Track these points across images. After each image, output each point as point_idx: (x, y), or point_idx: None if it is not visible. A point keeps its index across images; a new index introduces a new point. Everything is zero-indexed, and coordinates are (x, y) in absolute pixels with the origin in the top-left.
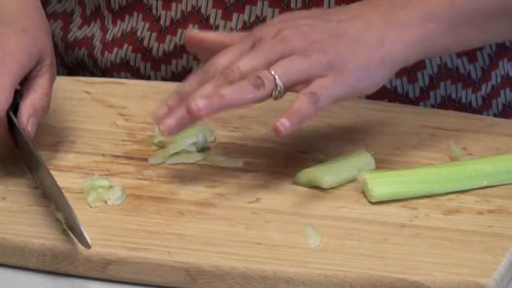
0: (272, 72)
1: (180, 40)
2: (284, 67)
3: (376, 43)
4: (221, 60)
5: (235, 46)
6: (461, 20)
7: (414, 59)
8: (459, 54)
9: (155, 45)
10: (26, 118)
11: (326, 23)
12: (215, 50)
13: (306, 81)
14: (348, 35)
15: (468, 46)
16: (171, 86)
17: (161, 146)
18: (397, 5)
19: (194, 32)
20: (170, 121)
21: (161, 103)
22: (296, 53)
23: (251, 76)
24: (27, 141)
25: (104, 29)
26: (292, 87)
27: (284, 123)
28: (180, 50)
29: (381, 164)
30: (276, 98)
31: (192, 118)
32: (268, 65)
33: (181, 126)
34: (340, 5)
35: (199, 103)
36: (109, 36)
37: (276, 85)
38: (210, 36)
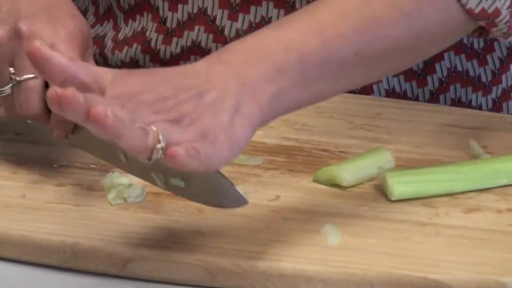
0: (154, 128)
1: (186, 42)
2: (163, 128)
3: (234, 108)
4: (99, 100)
5: (104, 99)
6: (312, 73)
7: (269, 119)
8: (469, 57)
9: (162, 47)
10: None
11: (187, 93)
12: (56, 74)
13: None
14: (208, 104)
15: (325, 97)
16: None
17: None
18: (248, 60)
19: (37, 46)
20: (82, 98)
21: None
22: (169, 122)
23: (136, 125)
24: None
25: (117, 29)
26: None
27: (179, 149)
28: (188, 52)
29: (401, 162)
30: (155, 157)
31: (92, 117)
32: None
33: (81, 109)
34: None
35: (108, 111)
36: (121, 36)
37: (159, 140)
38: (55, 58)
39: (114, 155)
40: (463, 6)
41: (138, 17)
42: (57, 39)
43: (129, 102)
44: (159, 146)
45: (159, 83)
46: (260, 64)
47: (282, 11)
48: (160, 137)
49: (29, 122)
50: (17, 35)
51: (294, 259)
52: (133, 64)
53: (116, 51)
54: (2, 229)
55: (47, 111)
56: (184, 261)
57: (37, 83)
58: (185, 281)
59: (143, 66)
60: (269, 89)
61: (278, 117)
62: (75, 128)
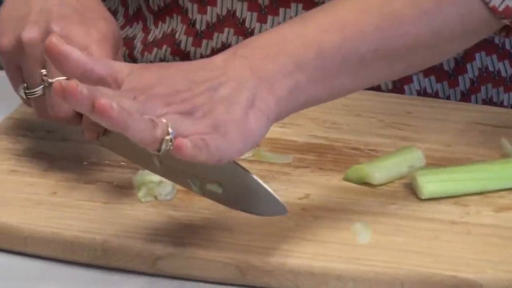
0: (164, 120)
1: (216, 44)
2: (174, 120)
3: (249, 102)
4: (109, 92)
5: (117, 91)
6: (331, 69)
7: (285, 113)
8: (501, 58)
9: (192, 49)
10: None
11: (201, 86)
12: (73, 69)
13: None
14: (222, 97)
15: (344, 93)
16: None
17: None
18: (266, 57)
19: (53, 41)
20: (86, 91)
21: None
22: (180, 114)
23: (146, 116)
24: None
25: (146, 30)
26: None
27: (186, 141)
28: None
29: (432, 160)
30: (164, 149)
31: (97, 110)
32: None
33: (85, 101)
34: None
35: (113, 103)
36: (150, 37)
37: (168, 133)
38: (71, 53)
39: (147, 159)
40: (486, 4)
41: (167, 19)
42: (90, 42)
43: (142, 94)
44: (168, 137)
45: (174, 76)
46: (278, 58)
47: None
48: (169, 129)
49: None
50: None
51: (324, 257)
52: None
53: (146, 53)
54: (33, 227)
55: (79, 113)
56: (214, 259)
57: None
58: (215, 279)
59: None
60: (286, 83)
61: (295, 111)
62: (106, 129)
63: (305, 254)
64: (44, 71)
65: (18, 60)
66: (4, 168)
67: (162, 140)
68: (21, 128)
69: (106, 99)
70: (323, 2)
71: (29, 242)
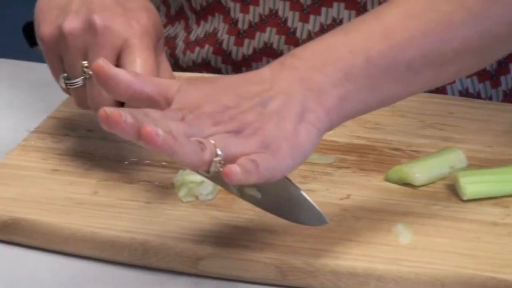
0: (212, 141)
1: (258, 44)
2: (222, 140)
3: (298, 116)
4: (157, 116)
5: (165, 113)
6: (379, 76)
7: (337, 123)
8: None
9: (234, 48)
10: None
11: (250, 101)
12: (121, 91)
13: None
14: (272, 112)
15: (393, 101)
16: None
17: None
18: (314, 67)
19: (101, 64)
20: (130, 119)
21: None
22: (229, 133)
23: (193, 139)
24: None
25: (188, 30)
26: (229, 160)
27: (235, 167)
28: (260, 53)
29: (473, 161)
30: (213, 170)
31: (143, 137)
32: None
33: (130, 130)
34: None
35: (159, 130)
36: (192, 36)
37: (216, 154)
38: (119, 75)
39: None
40: None
41: (209, 18)
42: (131, 34)
43: (190, 113)
44: (217, 159)
45: (222, 91)
46: (326, 68)
47: (353, 12)
48: (218, 150)
49: None
50: (91, 28)
51: (365, 258)
52: (204, 65)
53: (188, 52)
54: (74, 226)
55: (119, 104)
56: (255, 260)
57: None
58: (256, 280)
59: (215, 67)
60: (336, 93)
61: (345, 121)
62: None
63: (346, 255)
64: (85, 63)
65: (59, 49)
66: (46, 167)
67: (211, 162)
68: (62, 127)
69: (151, 126)
70: (365, 2)
71: (70, 242)
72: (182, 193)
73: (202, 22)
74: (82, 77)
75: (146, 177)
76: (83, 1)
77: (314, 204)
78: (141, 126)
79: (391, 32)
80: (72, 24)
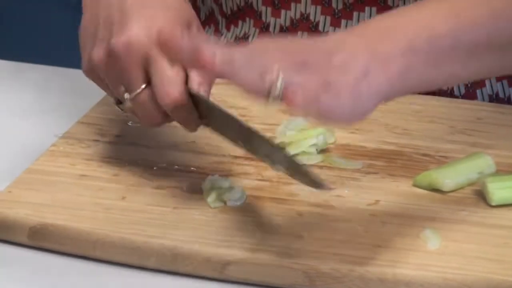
0: (276, 67)
1: None
2: (285, 69)
3: (362, 74)
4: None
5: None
6: (443, 54)
7: (395, 93)
8: None
9: None
10: (197, 86)
11: (317, 50)
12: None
13: None
14: (337, 63)
15: (456, 80)
16: None
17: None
18: (381, 35)
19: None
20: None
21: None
22: (294, 67)
23: (255, 64)
24: (212, 104)
25: (218, 34)
26: (290, 92)
27: (297, 92)
28: None
29: (502, 167)
30: (273, 95)
31: (200, 60)
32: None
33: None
34: None
35: (217, 50)
36: (222, 41)
37: (277, 79)
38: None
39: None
40: None
41: (240, 22)
42: (150, 47)
43: (257, 51)
44: (278, 84)
45: (291, 44)
46: (392, 39)
47: None
48: (281, 74)
49: (130, 124)
50: (113, 55)
51: (393, 263)
52: None
53: None
54: (102, 231)
55: (166, 115)
56: (283, 265)
57: (145, 96)
58: (284, 285)
59: None
60: (399, 63)
61: (405, 94)
62: (201, 117)
63: (374, 260)
64: (123, 89)
65: (100, 78)
66: (74, 172)
67: (270, 89)
68: (91, 133)
69: (209, 48)
70: (397, 6)
71: (98, 247)
72: (210, 198)
73: (232, 27)
74: (123, 102)
75: (174, 183)
76: (106, 23)
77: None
78: (200, 50)
79: (457, 12)
80: (97, 56)
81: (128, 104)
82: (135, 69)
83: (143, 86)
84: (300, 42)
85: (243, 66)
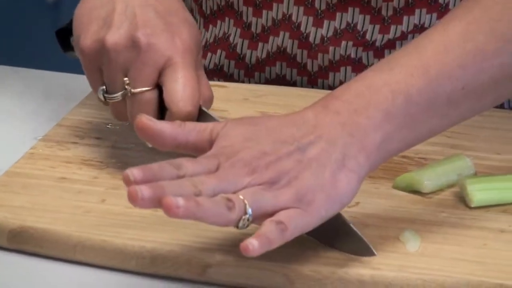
0: (241, 197)
1: (272, 48)
2: (253, 195)
3: (338, 163)
4: (190, 168)
5: (200, 161)
6: (420, 113)
7: (375, 166)
8: None
9: (248, 52)
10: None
11: (289, 146)
12: (167, 144)
13: (273, 214)
14: (311, 159)
15: (433, 134)
16: (272, 89)
17: None
18: (357, 111)
19: (145, 122)
20: (148, 193)
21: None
22: (263, 184)
23: (221, 197)
24: None
25: None
26: (259, 218)
27: (253, 242)
28: (273, 57)
29: (481, 169)
30: (241, 227)
31: (164, 209)
32: (235, 191)
33: (150, 205)
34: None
35: (179, 201)
36: (202, 41)
37: (245, 212)
38: (164, 130)
39: None
40: None
41: (218, 22)
42: (174, 52)
43: (227, 160)
44: (245, 217)
45: (263, 135)
46: (368, 111)
47: (367, 17)
48: (248, 208)
49: (109, 126)
50: (134, 45)
51: (373, 265)
52: (216, 70)
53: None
54: (82, 234)
55: (160, 118)
56: (263, 267)
57: (152, 96)
58: (264, 287)
59: (228, 72)
60: (377, 137)
61: (386, 160)
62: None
63: (354, 262)
64: (126, 80)
65: (99, 62)
66: (54, 175)
67: (239, 221)
68: (70, 135)
69: (171, 197)
70: (380, 7)
71: (78, 250)
72: None
73: (210, 26)
74: (122, 92)
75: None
76: (126, 14)
77: (363, 237)
78: (163, 196)
79: (429, 68)
80: (115, 38)
81: (119, 98)
82: (152, 68)
83: (150, 87)
84: (271, 136)
85: (210, 207)
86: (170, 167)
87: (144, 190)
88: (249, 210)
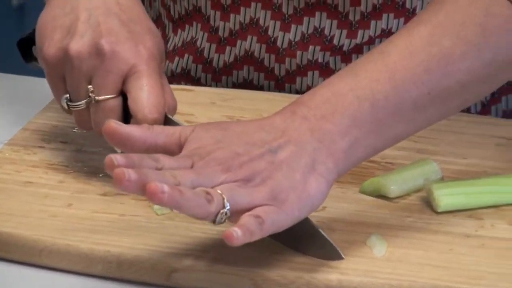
0: (220, 192)
1: (239, 52)
2: (230, 191)
3: (308, 167)
4: (166, 162)
5: (175, 159)
6: (386, 118)
7: (345, 170)
8: None
9: (215, 56)
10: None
11: (260, 149)
12: (136, 147)
13: (249, 210)
14: (282, 161)
15: (400, 139)
16: (239, 93)
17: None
18: (324, 117)
19: (114, 126)
20: (134, 176)
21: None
22: (239, 181)
23: (201, 190)
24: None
25: (165, 38)
26: (235, 213)
27: (237, 230)
28: (241, 61)
29: (448, 173)
30: (219, 221)
31: (148, 194)
32: (212, 187)
33: (135, 188)
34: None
35: (164, 187)
36: (170, 45)
37: (223, 206)
38: (133, 133)
39: None
40: None
41: (187, 26)
42: (138, 60)
43: (201, 160)
44: (223, 211)
45: (233, 138)
46: (335, 117)
47: (335, 22)
48: (226, 202)
49: (75, 130)
50: (98, 53)
51: (340, 270)
52: (184, 75)
53: (167, 62)
54: (48, 239)
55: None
56: (229, 272)
57: (116, 103)
58: None
59: (195, 76)
60: (345, 143)
61: (355, 166)
62: None
63: (321, 267)
64: (90, 87)
65: (62, 70)
66: (20, 179)
67: (217, 214)
68: (36, 139)
69: (156, 183)
70: (348, 12)
71: (44, 254)
72: (157, 205)
73: (179, 31)
74: (86, 100)
75: (120, 190)
76: (89, 23)
77: (331, 240)
78: (147, 182)
79: (394, 73)
80: (78, 46)
81: (83, 105)
82: (116, 76)
83: (115, 94)
84: (242, 139)
85: (187, 198)
86: (149, 159)
87: (132, 173)
88: (227, 204)
